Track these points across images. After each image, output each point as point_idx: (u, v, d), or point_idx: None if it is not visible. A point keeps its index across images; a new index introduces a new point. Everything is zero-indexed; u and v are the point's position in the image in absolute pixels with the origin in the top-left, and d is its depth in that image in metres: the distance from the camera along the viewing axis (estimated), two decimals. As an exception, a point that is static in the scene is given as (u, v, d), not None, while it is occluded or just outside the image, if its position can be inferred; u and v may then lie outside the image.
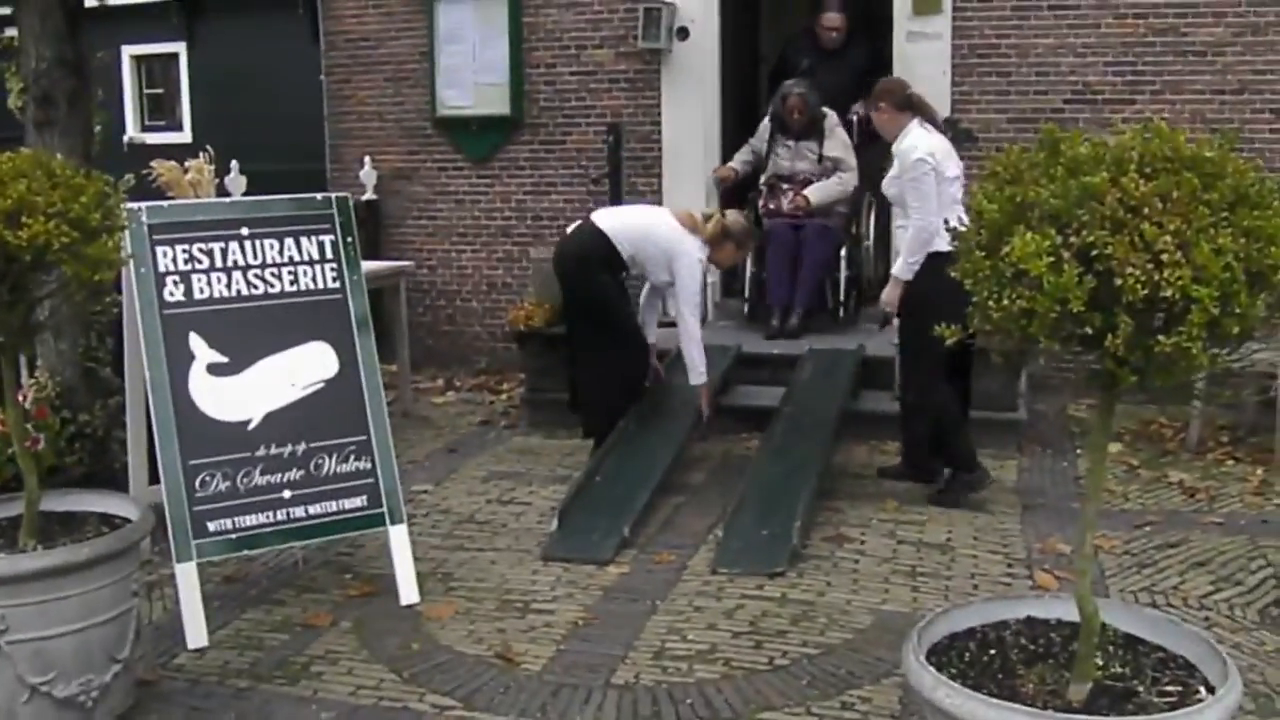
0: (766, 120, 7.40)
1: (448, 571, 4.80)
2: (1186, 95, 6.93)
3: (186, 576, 4.11)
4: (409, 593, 4.46)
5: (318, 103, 8.65)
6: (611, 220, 6.02)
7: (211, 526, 4.21)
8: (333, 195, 4.70)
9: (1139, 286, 2.17)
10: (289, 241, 4.54)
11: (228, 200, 4.54)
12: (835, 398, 6.28)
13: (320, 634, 4.22)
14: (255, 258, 4.48)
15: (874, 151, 7.53)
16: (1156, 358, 2.21)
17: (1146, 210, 2.21)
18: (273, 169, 7.86)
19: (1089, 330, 2.24)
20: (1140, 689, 2.66)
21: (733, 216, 6.06)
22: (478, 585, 4.65)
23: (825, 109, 7.21)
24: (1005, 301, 2.26)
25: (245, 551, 4.37)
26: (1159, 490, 5.69)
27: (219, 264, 4.41)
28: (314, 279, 4.56)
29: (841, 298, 7.25)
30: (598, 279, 5.92)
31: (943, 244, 4.80)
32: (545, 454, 6.48)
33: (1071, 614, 2.96)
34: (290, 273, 4.53)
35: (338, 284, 4.59)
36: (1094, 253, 2.21)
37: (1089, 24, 7.06)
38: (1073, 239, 2.23)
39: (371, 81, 8.28)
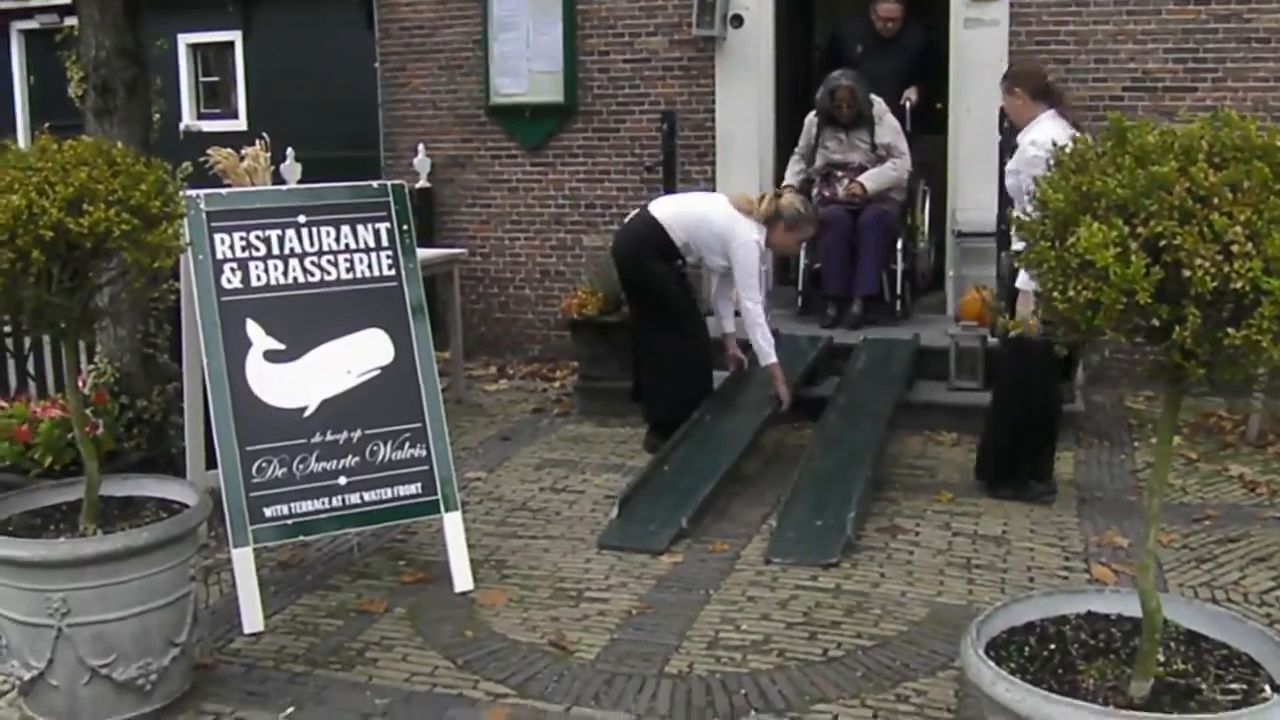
0: (811, 117, 7.29)
1: (501, 559, 4.81)
2: (1249, 83, 6.81)
3: (243, 561, 4.15)
4: (463, 580, 4.48)
5: (372, 90, 8.69)
6: (665, 208, 6.03)
7: (268, 512, 4.24)
8: (389, 183, 4.72)
9: (1208, 278, 2.13)
10: (345, 229, 4.56)
11: (285, 188, 4.57)
12: (890, 388, 6.24)
13: (375, 620, 4.24)
14: (312, 245, 4.50)
15: (925, 139, 7.48)
16: (1225, 350, 2.17)
17: (1216, 200, 2.16)
18: (327, 156, 7.91)
19: (1156, 322, 2.19)
20: (1203, 687, 2.62)
21: (788, 198, 6.03)
22: (531, 573, 4.66)
23: (873, 96, 7.12)
24: (1071, 292, 2.22)
25: (301, 537, 4.41)
26: (1219, 484, 5.60)
27: (276, 251, 4.44)
28: (370, 266, 4.58)
29: (899, 290, 7.16)
30: (651, 267, 5.94)
31: None
32: (598, 442, 6.48)
33: (1132, 609, 2.92)
34: (346, 260, 4.55)
35: (393, 271, 4.61)
36: (1162, 243, 2.17)
37: (1149, 10, 6.95)
38: (1140, 229, 2.18)
39: (425, 69, 8.30)
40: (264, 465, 4.26)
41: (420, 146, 8.30)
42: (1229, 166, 2.20)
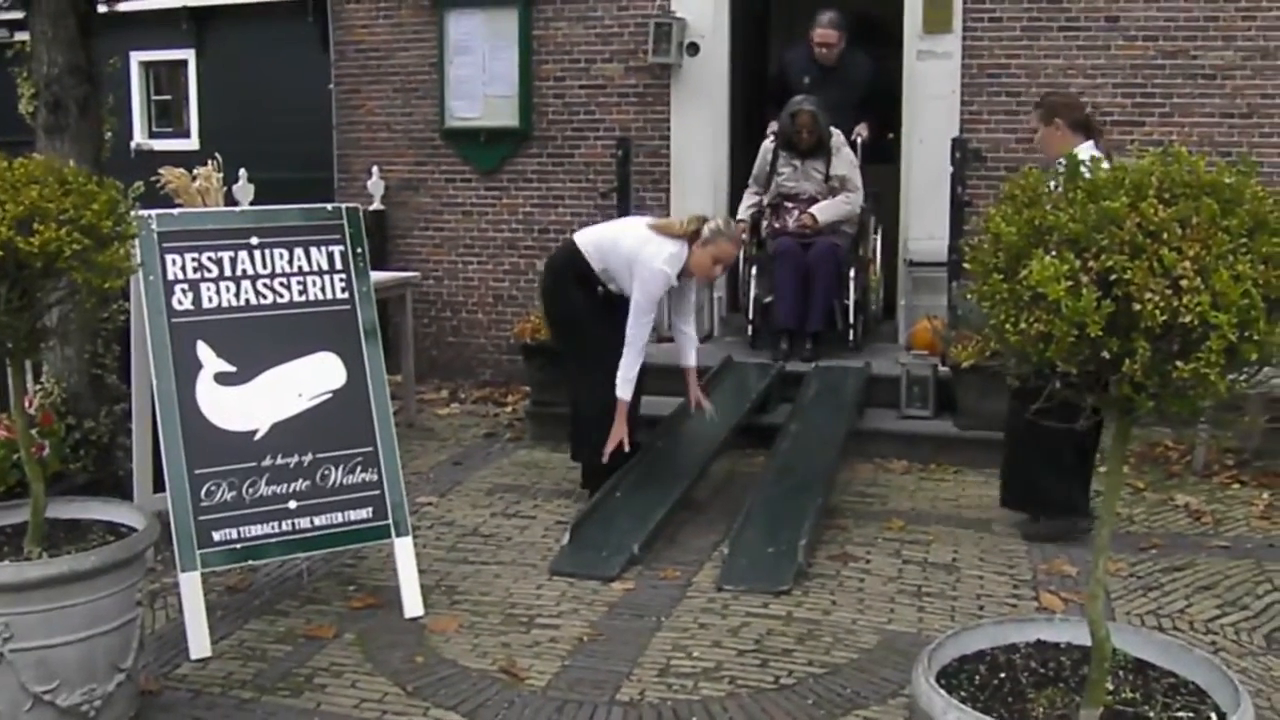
0: (767, 144, 7.28)
1: (452, 585, 4.78)
2: (1196, 118, 6.94)
3: (190, 586, 4.10)
4: (413, 605, 4.45)
5: (326, 112, 8.66)
6: (587, 235, 5.74)
7: (216, 536, 4.20)
8: (343, 205, 4.70)
9: (1158, 312, 2.16)
10: (299, 251, 4.54)
11: (238, 209, 4.55)
12: (842, 416, 6.28)
13: (324, 646, 4.20)
14: (264, 267, 4.47)
15: (875, 169, 7.54)
16: (1174, 383, 2.20)
17: (1165, 235, 2.20)
18: (280, 177, 7.87)
19: (1106, 355, 2.23)
20: (1151, 715, 2.64)
21: (713, 221, 5.57)
22: (482, 599, 4.64)
23: (832, 128, 7.13)
24: (1023, 325, 2.25)
25: (250, 562, 4.36)
26: (1165, 513, 5.67)
27: (228, 273, 4.41)
28: (323, 289, 4.56)
29: (851, 322, 7.14)
30: (567, 295, 5.68)
31: None
32: (550, 468, 6.46)
33: (1081, 637, 2.95)
34: (299, 282, 4.52)
35: (346, 294, 4.59)
36: (1113, 277, 2.20)
37: (1098, 45, 7.07)
38: (1091, 263, 2.22)
39: (380, 91, 8.29)
40: (213, 488, 4.22)
41: (374, 169, 8.28)
42: (1178, 202, 2.24)
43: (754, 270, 7.25)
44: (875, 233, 7.44)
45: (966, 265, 2.47)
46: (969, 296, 2.45)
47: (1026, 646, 2.95)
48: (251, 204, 6.74)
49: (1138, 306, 2.18)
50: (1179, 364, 2.17)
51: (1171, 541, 5.26)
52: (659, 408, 6.64)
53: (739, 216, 7.22)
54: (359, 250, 4.64)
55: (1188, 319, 2.15)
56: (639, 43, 7.75)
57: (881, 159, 7.78)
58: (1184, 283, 2.17)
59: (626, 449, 5.54)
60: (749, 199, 7.35)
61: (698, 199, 7.81)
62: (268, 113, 9.01)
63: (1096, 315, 2.19)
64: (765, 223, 7.22)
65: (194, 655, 4.03)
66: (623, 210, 7.43)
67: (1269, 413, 6.32)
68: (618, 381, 5.44)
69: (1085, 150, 4.92)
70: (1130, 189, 2.27)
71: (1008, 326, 2.29)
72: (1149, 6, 6.98)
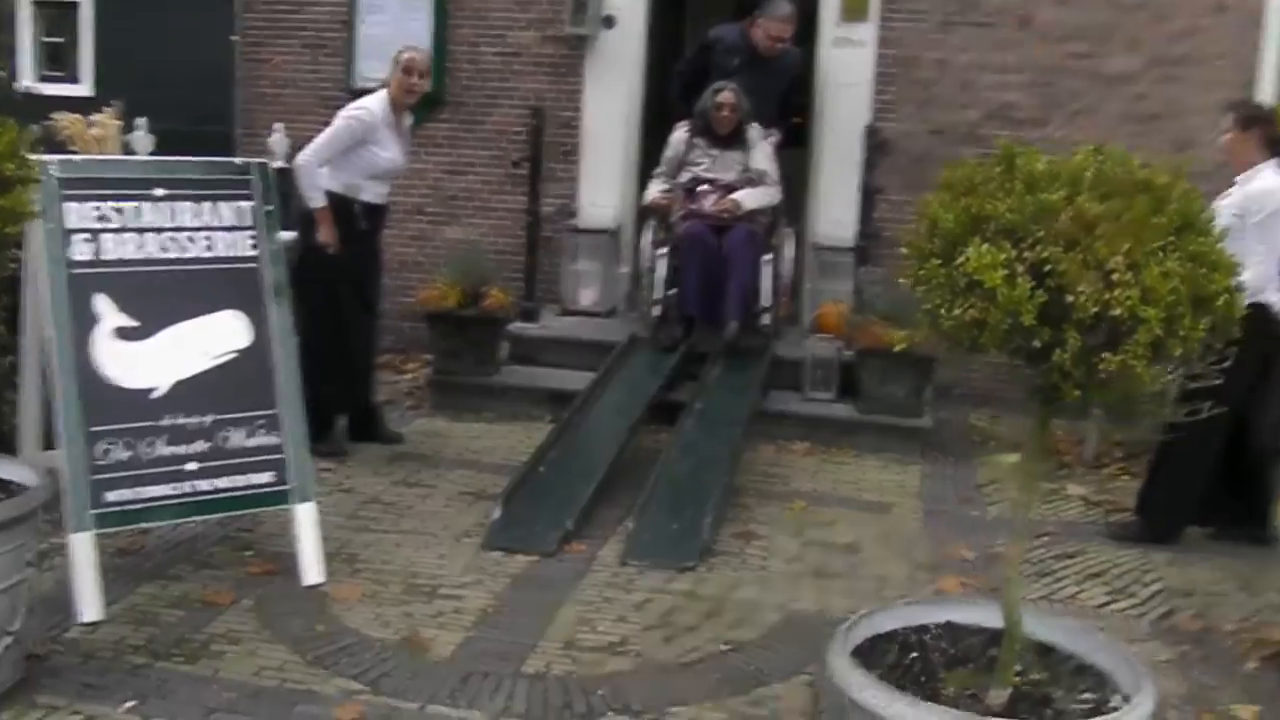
0: (680, 132, 7.01)
1: (353, 553, 4.70)
2: (1099, 120, 7.08)
3: (82, 547, 3.96)
4: (314, 573, 4.36)
5: (228, 64, 8.40)
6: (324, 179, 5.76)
7: (110, 496, 4.06)
8: (252, 160, 4.59)
9: (1090, 304, 2.20)
10: (206, 205, 4.41)
11: (143, 159, 4.40)
12: (746, 396, 6.31)
13: (220, 612, 4.10)
14: (170, 220, 4.34)
15: (782, 153, 7.41)
16: (1100, 374, 2.25)
17: (1099, 230, 2.24)
18: (176, 129, 7.57)
19: (1037, 344, 2.26)
20: (1057, 696, 2.71)
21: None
22: (383, 568, 4.57)
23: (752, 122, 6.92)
24: (957, 311, 2.27)
25: (144, 524, 4.23)
26: (1057, 502, 5.82)
27: (131, 224, 4.26)
28: (230, 245, 4.44)
29: (768, 305, 6.86)
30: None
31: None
32: (452, 437, 6.39)
33: (990, 620, 3.01)
34: (206, 238, 4.40)
35: (255, 252, 4.48)
36: (1047, 268, 2.23)
37: (1011, 44, 7.18)
38: (1027, 254, 2.25)
39: (288, 46, 8.06)
40: (108, 447, 4.08)
41: (278, 126, 8.04)
42: (1112, 199, 2.28)
43: (660, 253, 6.94)
44: (784, 219, 7.39)
45: (904, 251, 2.49)
46: (903, 281, 2.47)
47: (937, 628, 3.00)
48: (151, 155, 6.51)
49: (1070, 298, 2.22)
50: (1107, 355, 2.21)
51: (1064, 529, 5.39)
52: (572, 382, 6.64)
53: (646, 199, 7.12)
54: (269, 207, 4.52)
55: (1118, 312, 2.19)
56: (556, 12, 7.65)
57: (788, 144, 7.75)
58: (1115, 276, 2.21)
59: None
60: (658, 184, 7.06)
61: (609, 172, 7.79)
62: (166, 61, 8.67)
63: (1030, 304, 2.22)
64: (679, 205, 6.92)
65: (85, 619, 3.89)
66: (533, 181, 7.37)
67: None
68: (311, 197, 5.66)
69: (1269, 169, 4.89)
70: (1066, 183, 2.30)
71: (941, 312, 2.31)
72: (1060, 10, 7.10)
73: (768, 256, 6.86)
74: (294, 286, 4.96)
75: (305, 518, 4.40)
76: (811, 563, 4.85)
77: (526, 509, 5.05)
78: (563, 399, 6.59)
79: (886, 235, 7.27)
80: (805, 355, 6.73)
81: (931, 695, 2.69)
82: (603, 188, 7.80)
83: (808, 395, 6.69)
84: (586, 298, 7.71)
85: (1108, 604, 4.61)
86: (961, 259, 2.27)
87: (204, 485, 4.25)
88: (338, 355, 5.76)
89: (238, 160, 4.60)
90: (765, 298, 6.84)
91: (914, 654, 2.87)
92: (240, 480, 4.32)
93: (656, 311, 6.90)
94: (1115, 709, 2.60)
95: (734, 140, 6.93)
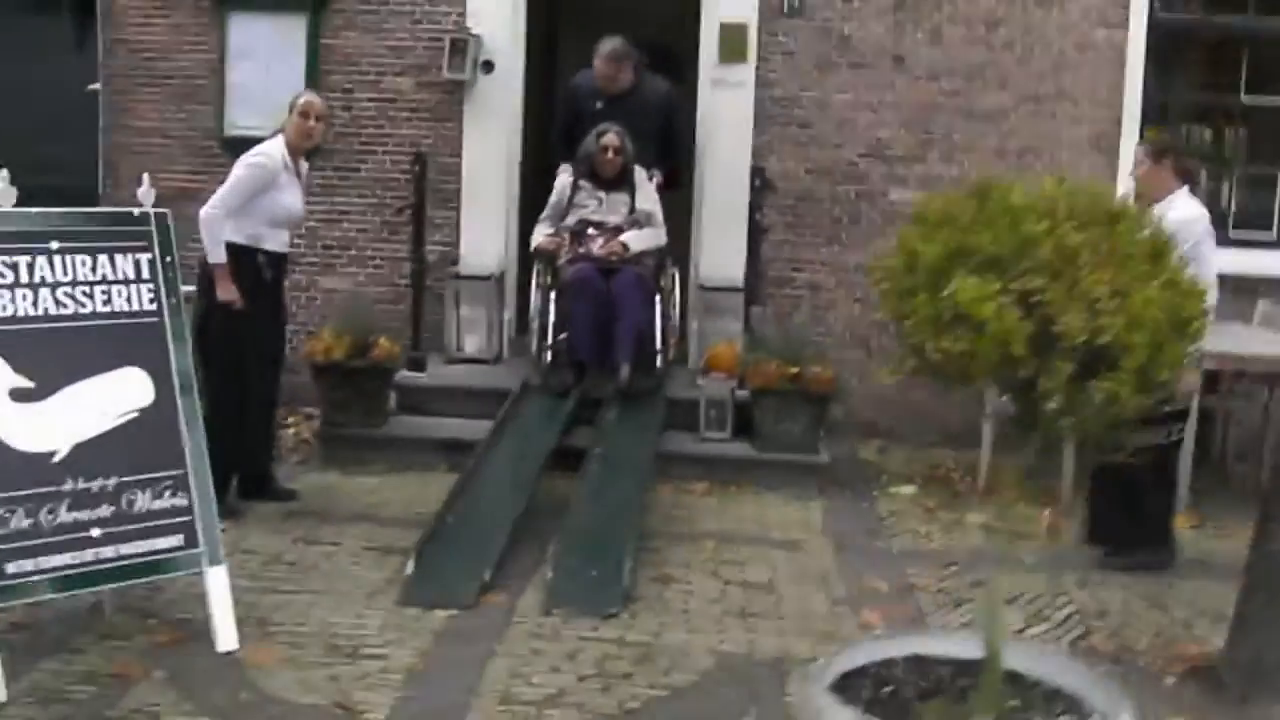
0: (565, 177, 7.02)
1: (263, 615, 4.50)
2: (973, 155, 7.32)
3: (-19, 624, 3.72)
4: (227, 639, 4.16)
5: (84, 115, 8.09)
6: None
7: (10, 568, 3.82)
8: (150, 210, 4.40)
9: (1078, 333, 2.24)
10: (103, 258, 4.21)
11: (37, 210, 4.16)
12: (646, 438, 6.29)
13: (133, 686, 3.87)
14: (65, 274, 4.12)
15: (664, 199, 7.44)
16: (1088, 401, 2.29)
17: (1081, 259, 2.29)
18: (33, 183, 7.27)
19: (1024, 373, 2.30)
20: (1036, 722, 2.74)
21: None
22: (298, 630, 4.39)
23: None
24: (946, 343, 2.29)
25: (50, 596, 3.98)
26: (959, 531, 5.93)
27: (24, 279, 4.04)
28: (129, 299, 4.25)
29: (659, 346, 6.87)
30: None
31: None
32: (346, 491, 6.20)
33: (955, 650, 3.03)
34: (104, 292, 4.19)
35: (155, 306, 4.30)
36: (1034, 299, 2.27)
37: (884, 83, 7.38)
38: (1013, 285, 2.28)
39: (155, 95, 7.78)
40: (6, 515, 3.84)
41: (145, 177, 7.72)
42: (1089, 228, 2.33)
43: (548, 298, 6.91)
44: (670, 260, 7.40)
45: (883, 286, 2.50)
46: (881, 316, 2.48)
47: (905, 660, 3.00)
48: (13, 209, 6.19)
49: (1057, 327, 2.26)
50: (1096, 382, 2.26)
51: (971, 557, 5.49)
52: (463, 431, 6.54)
53: (533, 243, 7.07)
54: (168, 259, 4.36)
55: (1106, 339, 2.24)
56: (432, 58, 7.58)
57: (668, 186, 7.79)
58: (1100, 305, 2.26)
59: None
60: (544, 229, 7.02)
61: (490, 218, 7.72)
62: (21, 113, 8.33)
63: (1019, 335, 2.25)
64: (567, 248, 6.88)
65: (-13, 700, 3.65)
66: (417, 228, 7.25)
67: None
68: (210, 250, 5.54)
69: (1182, 197, 4.97)
70: (1043, 214, 2.35)
71: (928, 345, 2.32)
72: (933, 50, 7.33)
73: (656, 298, 6.86)
74: (198, 345, 4.91)
75: (217, 582, 4.21)
76: (733, 603, 4.84)
77: (440, 562, 4.92)
78: (455, 448, 6.48)
79: (772, 275, 7.38)
80: (699, 395, 6.74)
81: (911, 728, 2.68)
82: (485, 233, 7.72)
83: (703, 435, 6.70)
84: (471, 344, 7.60)
85: (1025, 629, 4.69)
86: (948, 291, 2.29)
87: (109, 552, 4.03)
88: (240, 412, 5.59)
89: (135, 211, 4.40)
90: (656, 340, 6.82)
91: (887, 688, 2.86)
92: (147, 545, 4.11)
93: (547, 357, 6.83)
94: (1098, 731, 2.63)
95: (620, 182, 6.93)
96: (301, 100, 5.71)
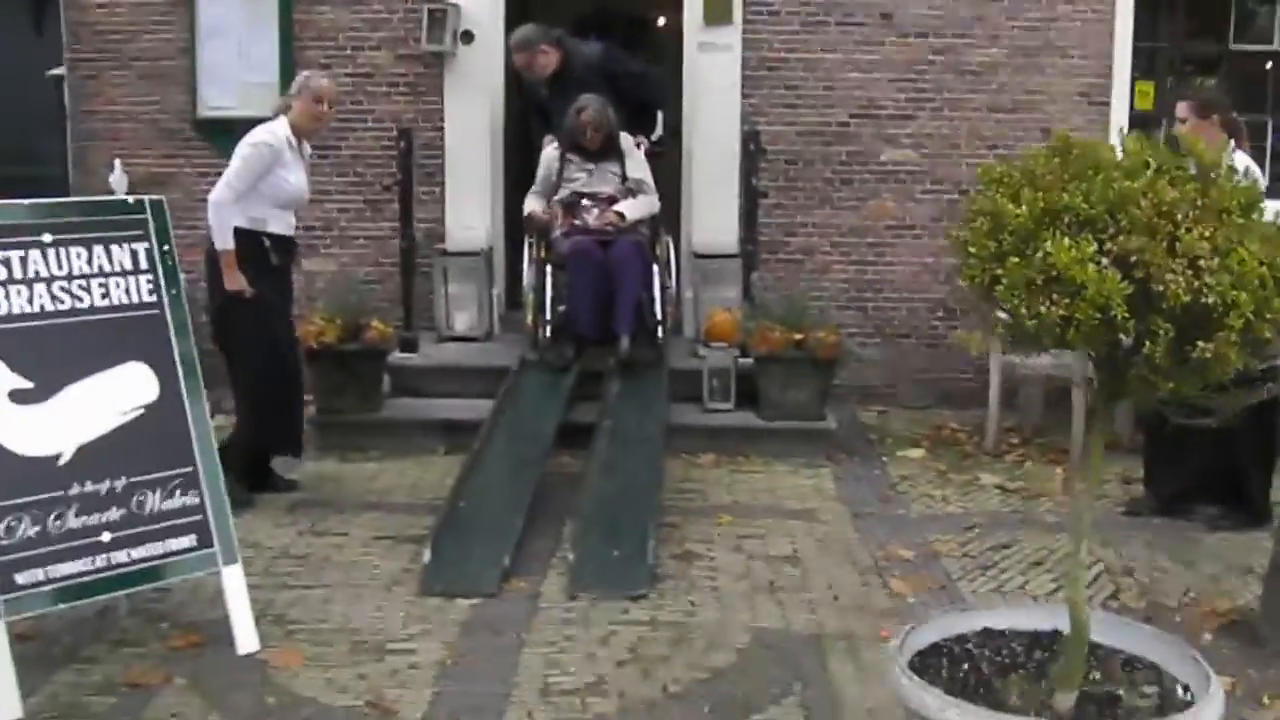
0: (551, 149, 6.85)
1: (279, 613, 4.35)
2: (965, 112, 7.23)
3: (-8, 639, 3.55)
4: (247, 640, 4.01)
5: (45, 101, 7.84)
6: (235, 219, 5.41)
7: (20, 579, 3.65)
8: (146, 198, 4.20)
9: (1181, 293, 2.13)
10: (98, 250, 4.01)
11: (26, 202, 3.96)
12: (654, 410, 6.16)
13: (155, 694, 3.72)
14: (60, 268, 3.93)
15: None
16: (1191, 363, 2.18)
17: (1179, 216, 2.18)
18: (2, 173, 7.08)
19: (1124, 337, 2.19)
20: (1122, 694, 2.65)
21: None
22: (319, 627, 4.24)
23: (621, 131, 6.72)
24: (1042, 309, 2.18)
25: (62, 605, 3.80)
26: (974, 493, 5.86)
27: (18, 275, 3.84)
28: (128, 292, 4.06)
29: (659, 317, 6.72)
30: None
31: None
32: (347, 478, 6.04)
33: (1022, 622, 2.96)
34: (101, 285, 4.00)
35: (154, 297, 4.10)
36: (1133, 259, 2.16)
37: (874, 42, 7.25)
38: (1110, 245, 2.17)
39: (123, 78, 7.52)
40: (13, 523, 3.67)
41: (116, 162, 7.51)
42: (1182, 184, 2.22)
43: (543, 271, 6.74)
44: (663, 228, 7.24)
45: (962, 247, 2.37)
46: (963, 283, 2.36)
47: (975, 636, 2.91)
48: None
49: (1159, 288, 2.15)
50: (1200, 343, 2.15)
51: (990, 519, 5.42)
52: (461, 411, 6.40)
53: (526, 211, 6.91)
54: (166, 247, 4.16)
55: (1210, 299, 2.13)
56: (409, 29, 7.38)
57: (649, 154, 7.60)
58: (1203, 263, 2.15)
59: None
60: (535, 201, 6.87)
61: (474, 193, 7.55)
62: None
63: (1119, 297, 2.14)
64: (561, 220, 6.72)
65: (4, 718, 3.48)
66: (405, 206, 7.06)
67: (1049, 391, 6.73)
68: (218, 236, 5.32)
69: (1234, 153, 4.95)
70: (1133, 170, 2.24)
71: (1022, 311, 2.21)
72: (920, 4, 7.21)
73: (654, 268, 6.72)
74: (220, 336, 5.15)
75: (233, 581, 4.05)
76: (760, 578, 4.73)
77: (457, 548, 4.78)
78: (455, 429, 6.35)
79: (764, 240, 7.26)
80: (701, 365, 6.62)
81: (996, 705, 2.59)
82: (470, 208, 7.55)
83: (707, 405, 6.59)
84: (462, 322, 7.45)
85: (1056, 590, 4.62)
86: (1040, 254, 2.17)
87: (121, 557, 3.87)
88: (283, 396, 5.55)
89: (130, 199, 4.20)
90: (657, 309, 6.69)
91: (964, 665, 2.77)
92: (160, 547, 3.95)
93: (546, 332, 6.67)
94: (1189, 702, 2.55)
95: (607, 152, 6.77)
96: (316, 83, 5.53)
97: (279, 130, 5.43)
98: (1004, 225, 2.25)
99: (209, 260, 5.44)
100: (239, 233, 5.34)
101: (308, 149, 5.69)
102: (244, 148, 5.38)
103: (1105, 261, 2.16)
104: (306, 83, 5.54)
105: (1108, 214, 2.18)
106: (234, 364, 5.49)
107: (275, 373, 5.50)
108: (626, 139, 6.84)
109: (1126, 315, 2.13)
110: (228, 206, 5.31)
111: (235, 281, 5.31)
